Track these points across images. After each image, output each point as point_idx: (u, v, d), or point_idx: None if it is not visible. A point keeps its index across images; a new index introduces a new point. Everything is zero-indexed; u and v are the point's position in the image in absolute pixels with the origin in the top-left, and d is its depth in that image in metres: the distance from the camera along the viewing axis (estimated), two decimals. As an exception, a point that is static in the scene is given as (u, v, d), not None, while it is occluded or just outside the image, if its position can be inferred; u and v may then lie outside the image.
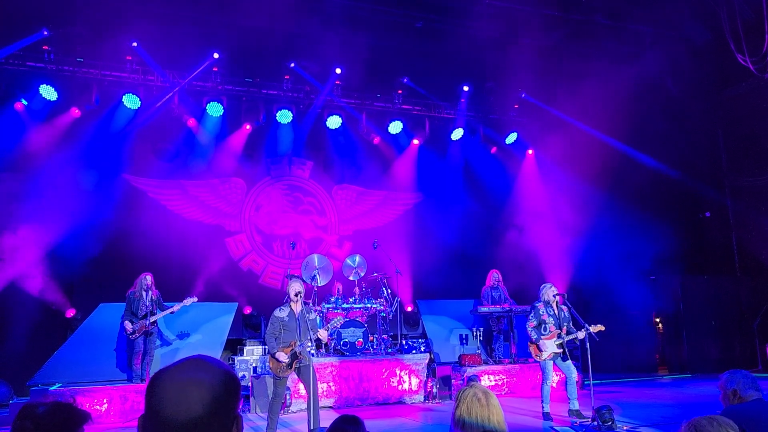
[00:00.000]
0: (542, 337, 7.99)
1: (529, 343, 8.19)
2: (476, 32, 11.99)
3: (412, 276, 13.13)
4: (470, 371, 10.20)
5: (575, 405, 7.94)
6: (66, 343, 9.80)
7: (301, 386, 8.59)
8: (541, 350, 7.97)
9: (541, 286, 8.36)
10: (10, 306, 10.07)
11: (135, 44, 10.95)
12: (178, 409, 1.25)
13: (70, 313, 10.70)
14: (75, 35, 10.73)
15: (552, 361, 8.03)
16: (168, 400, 1.26)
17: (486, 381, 10.28)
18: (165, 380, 1.30)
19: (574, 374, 8.04)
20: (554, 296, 8.14)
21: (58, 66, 10.91)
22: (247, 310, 12.12)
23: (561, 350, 7.95)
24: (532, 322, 8.12)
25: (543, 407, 8.03)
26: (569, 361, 8.04)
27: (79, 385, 8.91)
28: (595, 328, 7.72)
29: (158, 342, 9.61)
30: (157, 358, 9.45)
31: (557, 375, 9.01)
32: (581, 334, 7.73)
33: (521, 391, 10.50)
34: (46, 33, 10.39)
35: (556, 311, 8.11)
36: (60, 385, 8.99)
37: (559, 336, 7.92)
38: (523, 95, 13.68)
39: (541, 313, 8.10)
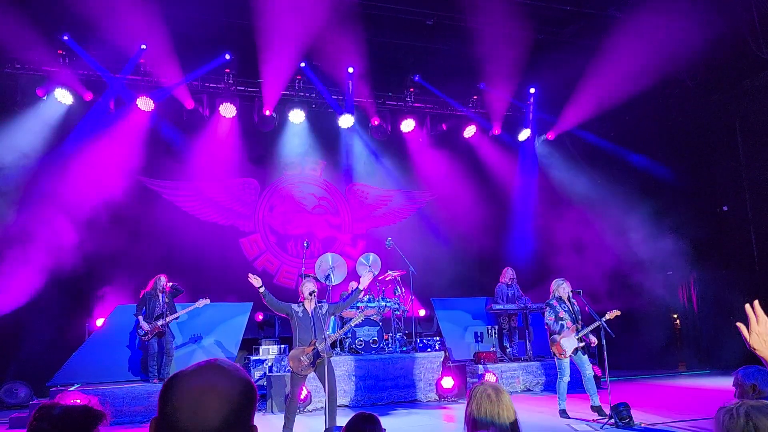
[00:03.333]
0: (562, 333, 7.90)
1: (551, 343, 8.08)
2: (488, 28, 11.92)
3: (426, 274, 13.09)
4: (487, 368, 10.17)
5: (596, 401, 7.85)
6: (84, 344, 9.89)
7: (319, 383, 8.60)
8: (564, 348, 7.88)
9: (554, 282, 8.27)
10: (29, 308, 10.18)
11: (143, 47, 11.02)
12: (194, 420, 1.20)
13: (97, 319, 10.79)
14: (89, 39, 10.84)
15: (569, 358, 7.95)
16: (183, 409, 1.21)
17: (501, 378, 10.23)
18: (181, 387, 1.24)
19: (590, 370, 7.95)
20: (566, 292, 8.05)
21: (73, 70, 11.02)
22: (259, 317, 12.11)
23: (582, 344, 7.88)
24: (551, 317, 8.04)
25: (559, 404, 7.96)
26: (585, 356, 7.95)
27: (98, 386, 9.00)
28: (611, 314, 7.66)
29: (174, 342, 9.65)
30: (173, 358, 9.50)
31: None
32: (610, 314, 7.65)
33: (537, 388, 10.45)
34: (65, 38, 10.51)
35: (570, 307, 8.04)
36: (79, 385, 9.08)
37: (577, 331, 7.85)
38: (534, 91, 13.59)
39: (558, 309, 8.02)
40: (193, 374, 1.27)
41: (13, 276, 10.19)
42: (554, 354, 8.06)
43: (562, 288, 8.10)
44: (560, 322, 7.97)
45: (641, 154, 13.74)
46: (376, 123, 13.24)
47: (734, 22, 11.48)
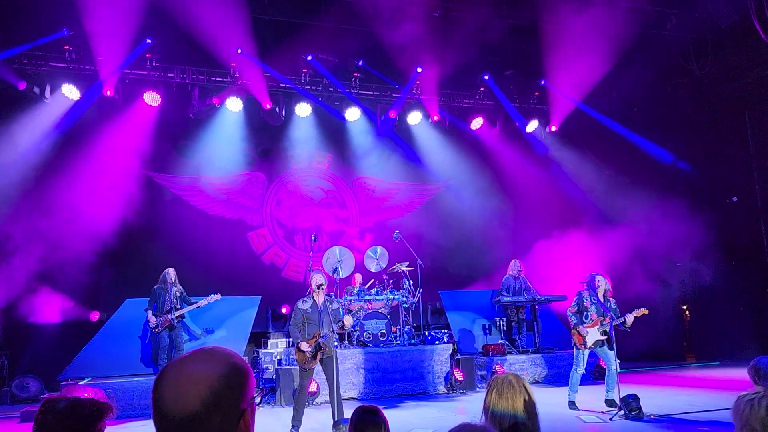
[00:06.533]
0: (584, 324, 7.86)
1: (572, 331, 8.05)
2: (495, 20, 11.87)
3: (434, 266, 13.08)
4: (496, 360, 10.18)
5: (610, 395, 7.82)
6: (94, 338, 9.95)
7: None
8: (585, 339, 7.84)
9: (591, 275, 8.15)
10: (39, 303, 10.26)
11: (149, 41, 11.01)
12: (175, 405, 1.23)
13: (95, 316, 10.85)
14: (95, 34, 10.85)
15: (587, 351, 7.89)
16: (166, 395, 1.25)
17: (509, 371, 10.23)
18: (167, 375, 1.29)
19: (615, 365, 7.88)
20: (599, 286, 7.95)
21: (80, 65, 11.05)
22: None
23: (605, 337, 7.82)
24: (573, 308, 8.01)
25: (569, 395, 7.95)
26: (613, 351, 7.86)
27: (108, 379, 9.06)
28: (638, 312, 7.56)
29: (185, 336, 9.71)
30: (182, 352, 9.55)
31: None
32: (630, 319, 7.59)
33: (546, 380, 10.45)
34: (66, 33, 10.52)
35: (601, 300, 7.92)
36: (89, 379, 9.15)
37: (601, 324, 7.78)
38: (543, 82, 13.51)
39: (584, 300, 7.97)
40: (180, 362, 1.31)
41: (24, 272, 10.28)
42: (574, 344, 8.02)
43: (597, 282, 8.03)
44: (585, 312, 7.91)
45: (650, 146, 13.64)
46: (382, 116, 13.21)
47: (743, 12, 11.37)
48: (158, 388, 1.27)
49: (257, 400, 1.39)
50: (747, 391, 2.05)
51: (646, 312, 7.64)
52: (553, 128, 14.02)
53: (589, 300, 7.95)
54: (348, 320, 7.10)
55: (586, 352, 7.90)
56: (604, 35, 11.67)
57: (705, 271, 12.92)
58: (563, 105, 13.75)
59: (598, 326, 7.80)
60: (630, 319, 7.60)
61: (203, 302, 9.46)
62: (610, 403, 7.75)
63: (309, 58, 12.07)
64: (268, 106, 12.27)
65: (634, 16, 11.87)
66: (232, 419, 1.27)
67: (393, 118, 13.30)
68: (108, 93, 11.12)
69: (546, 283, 12.06)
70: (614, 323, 7.72)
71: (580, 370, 7.94)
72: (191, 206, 12.68)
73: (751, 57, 12.43)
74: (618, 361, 7.84)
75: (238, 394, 1.29)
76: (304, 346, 6.82)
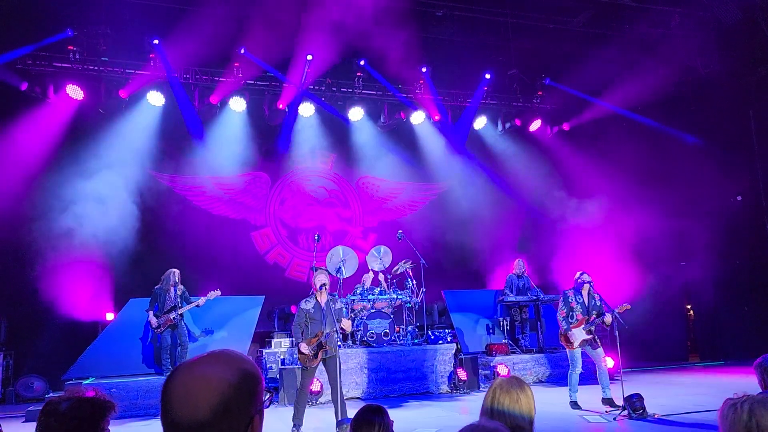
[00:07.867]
0: (571, 325, 7.89)
1: (560, 333, 8.09)
2: (497, 19, 11.85)
3: (437, 266, 13.07)
4: (499, 360, 10.17)
5: (607, 393, 7.82)
6: (99, 337, 9.98)
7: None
8: (571, 341, 7.87)
9: (577, 273, 8.22)
10: (44, 303, 10.28)
11: (156, 41, 11.02)
12: (184, 411, 1.20)
13: (108, 315, 10.86)
14: (99, 34, 10.87)
15: (581, 349, 7.92)
16: (175, 400, 1.22)
17: (513, 370, 10.21)
18: (177, 378, 1.26)
19: (604, 363, 7.91)
20: (582, 284, 8.01)
21: (84, 65, 11.06)
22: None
23: (590, 336, 7.84)
24: (563, 311, 8.02)
25: (571, 396, 7.94)
26: (600, 349, 7.92)
27: (112, 379, 9.08)
28: (621, 308, 7.61)
29: (187, 336, 9.69)
30: (188, 350, 9.53)
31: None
32: (608, 318, 7.64)
33: (549, 380, 10.43)
34: (70, 33, 10.54)
35: (585, 299, 7.97)
36: (93, 379, 9.18)
37: (587, 322, 7.81)
38: (547, 81, 13.48)
39: (570, 300, 8.00)
40: (192, 365, 1.28)
41: (28, 272, 10.31)
42: (563, 345, 8.05)
43: (580, 280, 8.04)
44: (571, 313, 7.95)
45: (654, 144, 13.60)
46: (385, 115, 13.19)
47: (748, 10, 11.33)
48: (167, 391, 1.25)
49: (266, 403, 1.36)
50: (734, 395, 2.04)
51: (629, 307, 7.69)
52: (560, 128, 14.00)
53: (574, 299, 7.98)
54: (347, 323, 7.11)
55: (579, 350, 7.92)
56: (606, 35, 11.65)
57: (709, 270, 12.89)
58: (574, 104, 13.73)
59: (583, 325, 7.82)
60: (608, 318, 7.64)
61: (202, 300, 9.43)
62: (607, 401, 7.76)
63: (309, 57, 12.05)
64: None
65: (638, 15, 11.84)
66: (240, 426, 1.24)
67: (400, 119, 13.26)
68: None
69: (549, 283, 12.04)
70: (597, 321, 7.76)
71: (577, 369, 7.96)
72: (195, 206, 12.70)
73: (755, 55, 12.38)
74: (607, 358, 7.84)
75: (248, 401, 1.26)
76: (304, 348, 6.83)
